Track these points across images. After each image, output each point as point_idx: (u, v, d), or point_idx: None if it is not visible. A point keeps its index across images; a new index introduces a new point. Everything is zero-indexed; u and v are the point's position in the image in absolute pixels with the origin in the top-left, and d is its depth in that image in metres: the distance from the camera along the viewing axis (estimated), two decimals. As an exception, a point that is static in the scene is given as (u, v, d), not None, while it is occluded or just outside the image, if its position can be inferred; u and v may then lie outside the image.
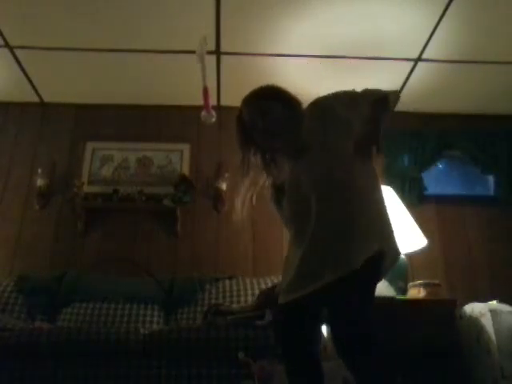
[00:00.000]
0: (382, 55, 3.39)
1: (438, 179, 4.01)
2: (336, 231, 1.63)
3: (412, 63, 3.49)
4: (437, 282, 2.76)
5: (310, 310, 1.71)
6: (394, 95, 1.83)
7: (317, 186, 1.70)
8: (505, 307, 2.62)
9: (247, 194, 1.90)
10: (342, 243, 1.61)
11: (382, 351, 1.52)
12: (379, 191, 1.77)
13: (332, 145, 1.73)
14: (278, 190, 1.86)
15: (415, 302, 2.64)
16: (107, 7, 2.98)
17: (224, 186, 3.60)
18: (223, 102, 3.86)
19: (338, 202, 1.65)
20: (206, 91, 2.87)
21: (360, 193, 1.68)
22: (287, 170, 1.82)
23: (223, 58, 3.43)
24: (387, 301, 2.57)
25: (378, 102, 1.75)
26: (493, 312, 2.56)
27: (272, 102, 1.80)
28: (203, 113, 2.93)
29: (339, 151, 1.72)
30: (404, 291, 2.75)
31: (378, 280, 1.74)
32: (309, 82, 3.59)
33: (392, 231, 1.71)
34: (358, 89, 1.86)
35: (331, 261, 1.60)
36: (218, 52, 3.37)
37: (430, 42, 3.27)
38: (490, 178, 3.94)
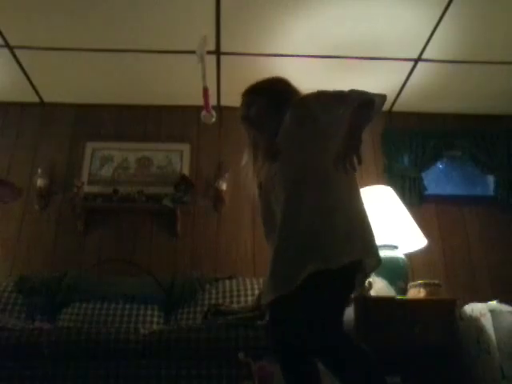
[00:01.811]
0: (381, 55, 3.39)
1: (438, 179, 4.01)
2: (305, 233, 1.58)
3: (412, 63, 3.49)
4: (437, 282, 2.76)
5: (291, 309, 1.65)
6: (381, 99, 1.75)
7: (287, 186, 1.68)
8: (505, 307, 2.62)
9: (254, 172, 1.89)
10: (311, 245, 1.57)
11: (351, 352, 1.47)
12: (356, 193, 1.72)
13: (306, 145, 1.71)
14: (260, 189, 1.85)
15: (415, 302, 2.64)
16: (107, 7, 2.98)
17: (224, 186, 3.60)
18: (223, 102, 3.86)
19: (309, 204, 1.61)
20: (205, 91, 2.87)
21: (334, 194, 1.63)
22: (265, 169, 1.82)
23: (223, 58, 3.43)
24: (387, 301, 2.57)
25: (363, 107, 1.67)
26: (493, 312, 2.55)
27: (258, 96, 1.84)
28: (203, 113, 2.94)
29: (313, 152, 1.69)
30: (404, 291, 2.75)
31: (349, 287, 1.65)
32: (309, 82, 3.57)
33: (372, 237, 1.65)
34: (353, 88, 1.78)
35: (299, 263, 1.56)
36: (218, 52, 3.37)
37: (430, 42, 3.27)
38: (490, 178, 3.94)
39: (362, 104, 1.67)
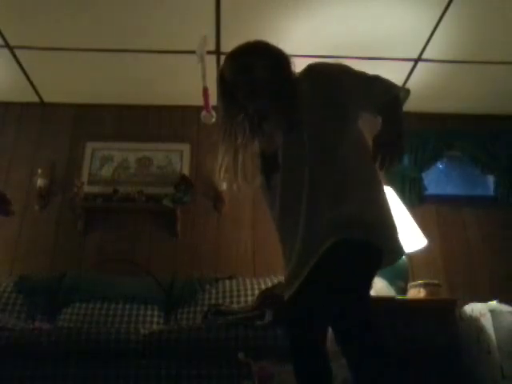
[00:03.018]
0: (382, 55, 3.39)
1: (438, 179, 4.01)
2: (329, 223, 1.50)
3: (412, 63, 3.49)
4: (437, 282, 2.76)
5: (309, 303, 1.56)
6: (405, 95, 1.71)
7: (312, 170, 1.57)
8: (505, 307, 2.62)
9: (226, 161, 1.75)
10: (330, 230, 1.49)
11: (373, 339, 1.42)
12: (380, 184, 1.65)
13: (332, 126, 1.61)
14: (267, 161, 1.70)
15: (415, 302, 2.64)
16: (107, 7, 2.98)
17: (224, 186, 3.60)
18: (223, 102, 3.86)
19: (333, 191, 1.54)
20: (205, 91, 2.88)
21: (360, 183, 1.57)
22: (278, 141, 1.66)
23: (223, 58, 3.42)
24: (387, 301, 2.57)
25: (391, 104, 1.62)
26: (493, 312, 2.55)
27: (257, 58, 1.69)
28: (203, 113, 2.94)
29: (338, 135, 1.61)
30: (404, 291, 2.75)
31: (371, 269, 1.56)
32: (309, 82, 3.60)
33: (395, 229, 1.60)
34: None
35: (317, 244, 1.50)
36: (218, 52, 3.37)
37: (430, 42, 3.27)
38: (490, 178, 3.94)
39: (389, 101, 1.62)
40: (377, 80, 1.68)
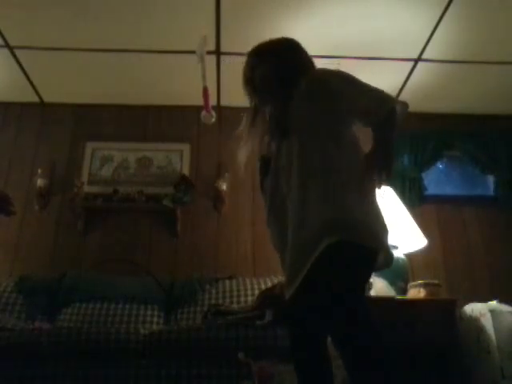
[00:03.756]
0: (382, 55, 3.39)
1: (438, 179, 4.01)
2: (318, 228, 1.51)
3: (412, 63, 3.49)
4: (437, 282, 2.76)
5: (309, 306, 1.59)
6: (402, 107, 1.68)
7: (300, 175, 1.59)
8: (505, 307, 2.62)
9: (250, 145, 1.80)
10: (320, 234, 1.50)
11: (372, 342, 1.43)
12: (371, 186, 1.66)
13: (325, 133, 1.62)
14: (265, 163, 1.74)
15: (415, 302, 2.64)
16: (107, 7, 2.98)
17: (224, 186, 3.60)
18: (223, 102, 3.86)
19: (323, 192, 1.55)
20: (205, 91, 2.88)
21: (347, 187, 1.57)
22: (273, 144, 1.71)
23: (223, 57, 3.43)
24: (387, 301, 2.57)
25: (387, 120, 1.62)
26: (493, 312, 2.55)
27: (262, 58, 1.75)
28: (203, 113, 2.94)
29: (330, 142, 1.62)
30: (404, 291, 2.75)
31: (365, 270, 1.58)
32: (309, 82, 3.59)
33: (386, 231, 1.61)
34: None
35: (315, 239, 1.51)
36: (218, 52, 3.37)
37: (430, 42, 3.27)
38: (490, 178, 3.94)
39: (385, 117, 1.62)
40: (374, 92, 1.69)
